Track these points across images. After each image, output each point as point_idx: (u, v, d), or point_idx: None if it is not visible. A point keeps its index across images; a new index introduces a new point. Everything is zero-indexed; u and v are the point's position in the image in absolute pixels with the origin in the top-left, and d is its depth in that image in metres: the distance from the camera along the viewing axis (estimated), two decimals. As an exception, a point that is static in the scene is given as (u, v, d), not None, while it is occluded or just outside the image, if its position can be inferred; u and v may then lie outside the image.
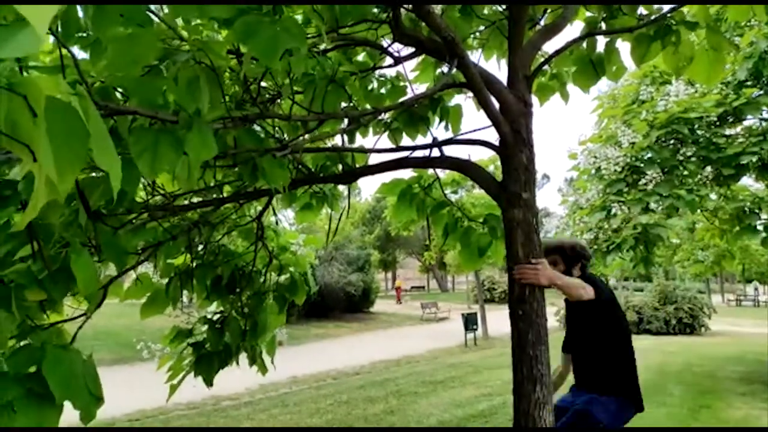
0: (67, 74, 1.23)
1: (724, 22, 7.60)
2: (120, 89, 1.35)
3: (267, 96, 2.08)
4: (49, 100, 0.75)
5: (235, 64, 1.69)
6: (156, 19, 1.48)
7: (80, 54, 1.82)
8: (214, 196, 2.44)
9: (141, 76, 1.28)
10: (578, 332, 3.10)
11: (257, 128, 2.34)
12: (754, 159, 7.24)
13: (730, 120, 7.85)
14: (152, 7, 1.50)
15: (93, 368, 1.53)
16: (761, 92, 7.92)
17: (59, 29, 1.34)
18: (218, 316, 2.98)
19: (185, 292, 2.73)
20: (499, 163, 2.34)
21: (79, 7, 1.38)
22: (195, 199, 2.46)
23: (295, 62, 1.34)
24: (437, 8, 2.62)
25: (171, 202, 2.04)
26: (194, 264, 2.68)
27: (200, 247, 2.78)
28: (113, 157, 0.82)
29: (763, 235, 7.32)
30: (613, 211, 7.43)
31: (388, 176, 2.85)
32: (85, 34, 1.59)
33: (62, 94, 0.77)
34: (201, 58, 1.32)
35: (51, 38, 1.43)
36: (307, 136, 2.28)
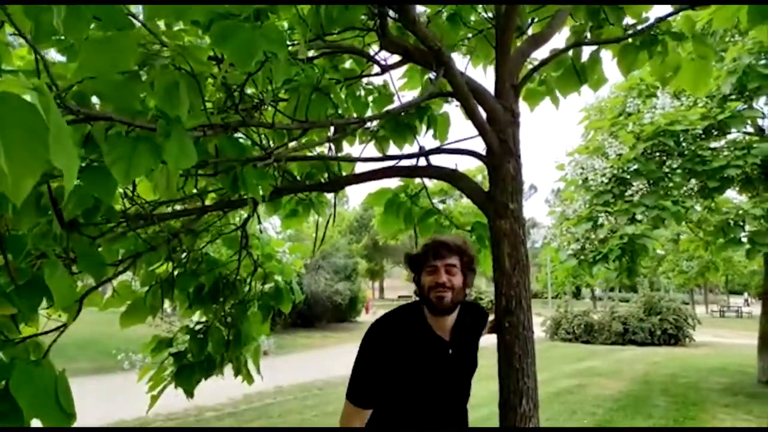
0: (42, 79, 1.19)
1: (710, 36, 7.72)
2: (96, 94, 1.30)
3: (251, 104, 2.04)
4: (5, 96, 0.70)
5: (218, 71, 1.66)
6: (137, 23, 1.45)
7: (60, 58, 1.79)
8: (198, 204, 2.39)
9: (118, 81, 1.23)
10: (460, 377, 2.09)
11: (242, 136, 2.31)
12: (738, 172, 7.33)
13: (715, 133, 7.96)
14: (133, 10, 1.47)
15: (66, 383, 1.48)
16: (745, 106, 8.05)
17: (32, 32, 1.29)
18: (200, 325, 2.92)
19: (167, 301, 2.68)
20: (486, 173, 2.33)
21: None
22: (177, 208, 2.41)
23: (274, 68, 1.30)
24: (423, 16, 2.62)
25: (151, 212, 1.99)
26: (176, 272, 2.62)
27: (183, 256, 2.73)
28: (71, 155, 0.77)
29: (747, 247, 7.39)
30: (600, 221, 7.47)
31: (374, 185, 2.83)
32: (63, 37, 1.55)
33: (20, 89, 0.72)
34: (180, 63, 1.28)
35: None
36: (292, 144, 2.25)
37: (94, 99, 1.44)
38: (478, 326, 2.18)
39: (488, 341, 2.14)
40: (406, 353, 1.94)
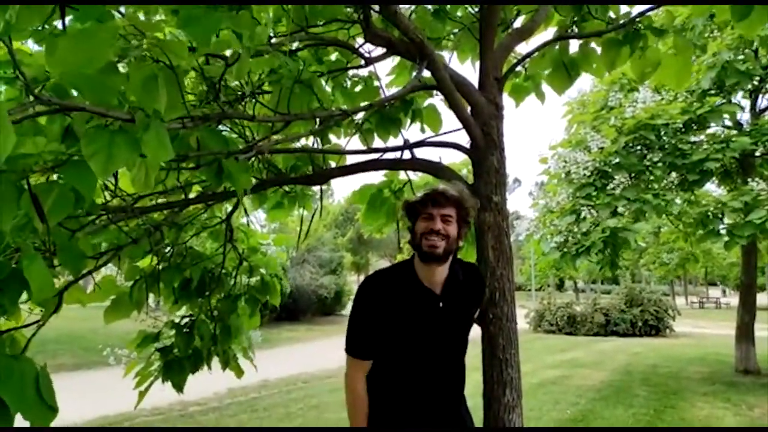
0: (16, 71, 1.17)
1: (690, 31, 7.82)
2: (73, 87, 1.28)
3: (234, 96, 2.02)
4: None
5: (198, 63, 1.64)
6: (116, 15, 1.43)
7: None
8: (183, 197, 2.37)
9: (95, 74, 1.21)
10: (453, 331, 2.06)
11: (228, 129, 2.29)
12: (717, 165, 7.43)
13: (695, 127, 8.05)
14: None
15: (47, 377, 1.46)
16: (724, 101, 8.16)
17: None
18: (186, 320, 2.90)
19: (152, 295, 2.66)
20: (471, 167, 2.34)
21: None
22: (161, 200, 2.38)
23: (243, 55, 1.29)
24: (405, 9, 2.61)
25: (132, 204, 1.97)
26: (160, 266, 2.60)
27: (167, 249, 2.70)
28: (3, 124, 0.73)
29: (726, 239, 7.51)
30: (583, 214, 7.53)
31: (360, 178, 2.84)
32: (40, 28, 1.52)
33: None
34: (158, 56, 1.26)
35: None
36: (276, 136, 2.24)
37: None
38: (473, 286, 2.12)
39: (472, 333, 2.16)
40: (396, 306, 1.96)
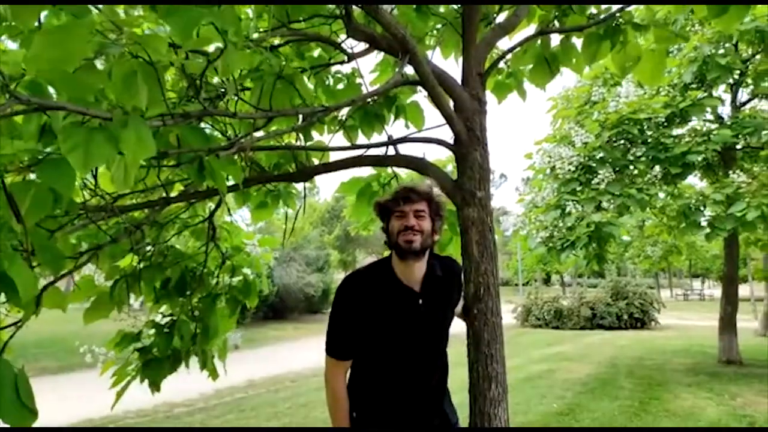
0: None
1: (671, 25, 7.90)
2: (50, 84, 1.26)
3: (215, 93, 2.00)
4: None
5: (176, 57, 1.62)
6: (93, 10, 1.40)
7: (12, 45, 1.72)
8: (164, 195, 2.34)
9: (72, 71, 1.19)
10: (434, 327, 2.07)
11: (209, 126, 2.27)
12: (699, 158, 7.52)
13: (677, 121, 8.14)
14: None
15: (26, 380, 1.44)
16: (705, 94, 8.26)
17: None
18: (167, 319, 2.87)
19: (132, 295, 2.62)
20: (455, 162, 2.34)
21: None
22: (141, 199, 2.35)
23: (230, 53, 1.28)
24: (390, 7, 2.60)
25: (111, 203, 1.94)
26: (141, 265, 2.57)
27: (148, 249, 2.67)
28: None
29: (707, 230, 7.61)
30: (568, 209, 7.59)
31: (344, 174, 2.82)
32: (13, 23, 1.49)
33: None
34: (138, 52, 1.24)
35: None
36: (259, 133, 2.22)
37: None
38: (451, 279, 2.13)
39: (458, 328, 2.16)
40: (376, 305, 1.97)
